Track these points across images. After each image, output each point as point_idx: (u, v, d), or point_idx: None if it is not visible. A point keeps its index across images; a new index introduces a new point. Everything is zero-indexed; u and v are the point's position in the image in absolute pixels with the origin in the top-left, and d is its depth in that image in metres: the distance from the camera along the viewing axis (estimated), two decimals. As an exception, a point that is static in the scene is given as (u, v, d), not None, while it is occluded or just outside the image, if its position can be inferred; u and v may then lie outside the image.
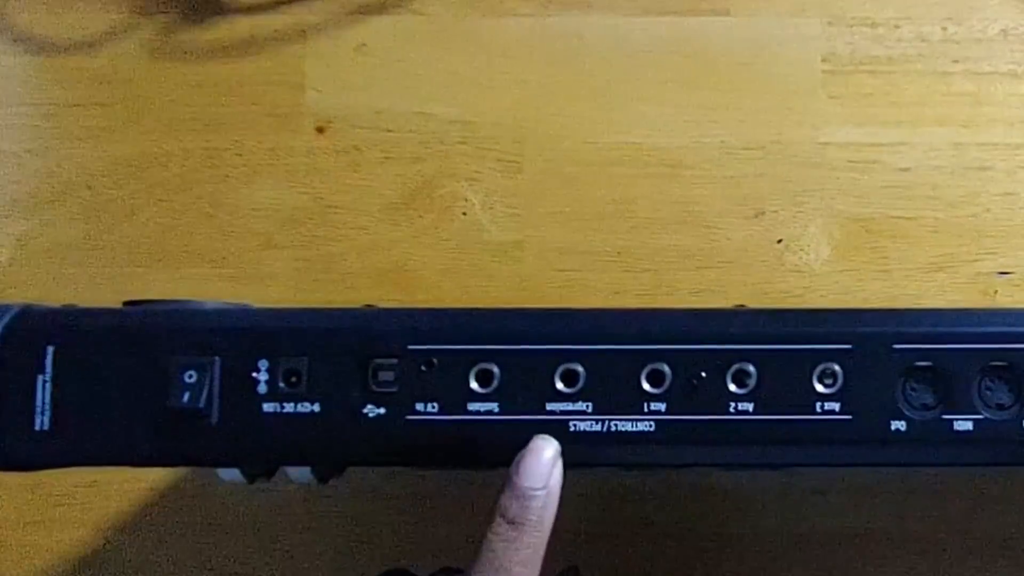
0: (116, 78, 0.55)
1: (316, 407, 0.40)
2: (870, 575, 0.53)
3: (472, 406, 0.40)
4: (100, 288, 0.54)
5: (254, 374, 0.40)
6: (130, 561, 0.53)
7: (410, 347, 0.40)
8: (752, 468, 0.49)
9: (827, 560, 0.52)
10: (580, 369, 0.40)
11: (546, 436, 0.39)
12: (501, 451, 0.41)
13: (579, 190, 0.54)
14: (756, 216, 0.54)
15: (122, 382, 0.39)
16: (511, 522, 0.37)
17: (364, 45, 0.54)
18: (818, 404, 0.40)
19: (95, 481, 0.54)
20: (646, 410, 0.40)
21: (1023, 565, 0.53)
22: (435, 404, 0.40)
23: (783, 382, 0.40)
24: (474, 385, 0.40)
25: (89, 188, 0.54)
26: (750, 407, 0.40)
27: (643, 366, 0.40)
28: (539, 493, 0.38)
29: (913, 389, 0.41)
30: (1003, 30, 0.54)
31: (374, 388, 0.40)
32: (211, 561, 0.53)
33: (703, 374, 0.40)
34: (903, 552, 0.53)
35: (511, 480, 0.38)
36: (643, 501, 0.53)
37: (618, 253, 0.54)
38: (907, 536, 0.53)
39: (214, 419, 0.39)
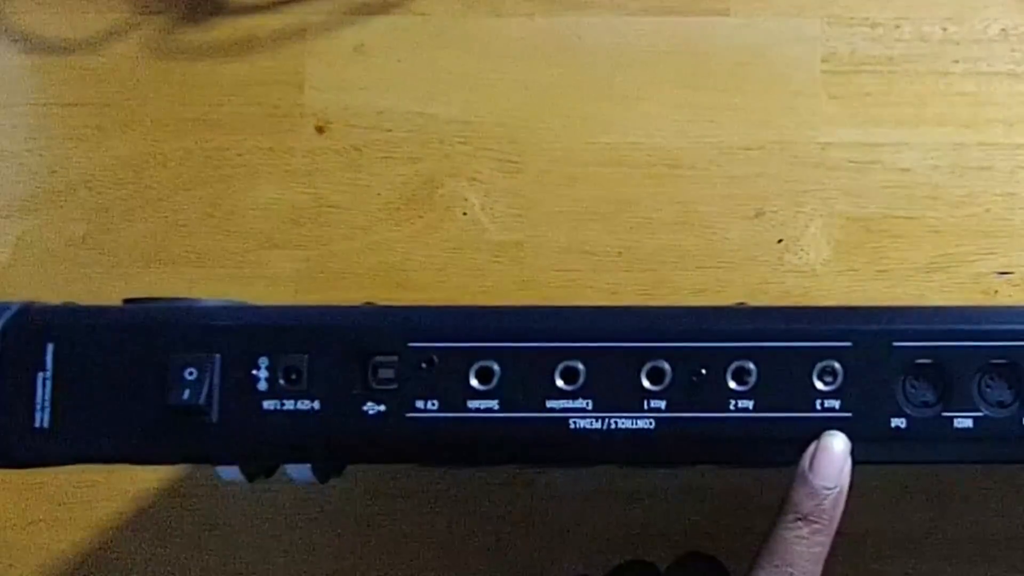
0: (116, 78, 0.55)
1: (316, 405, 0.40)
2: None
3: (472, 404, 0.40)
4: (100, 288, 0.54)
5: (254, 371, 0.40)
6: (130, 561, 0.53)
7: (410, 345, 0.40)
8: (752, 466, 0.49)
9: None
10: (580, 366, 0.40)
11: (835, 432, 0.39)
12: (501, 448, 0.41)
13: (579, 190, 0.54)
14: (756, 216, 0.54)
15: (122, 379, 0.39)
16: (804, 519, 0.38)
17: (364, 45, 0.54)
18: (818, 402, 0.40)
19: (96, 481, 0.54)
20: (646, 408, 0.40)
21: (1004, 564, 0.53)
22: (435, 402, 0.40)
23: (783, 379, 0.40)
24: (474, 383, 0.40)
25: (89, 188, 0.54)
26: (750, 405, 0.40)
27: (643, 363, 0.40)
28: (832, 491, 0.38)
29: (913, 387, 0.41)
30: (1003, 30, 0.54)
31: (374, 386, 0.40)
32: (211, 561, 0.53)
33: (703, 371, 0.40)
34: (900, 553, 0.53)
35: (805, 477, 0.38)
36: (637, 501, 0.53)
37: (618, 253, 0.54)
38: (905, 537, 0.53)
39: (214, 417, 0.39)
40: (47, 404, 0.38)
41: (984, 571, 0.53)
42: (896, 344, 0.41)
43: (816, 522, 0.38)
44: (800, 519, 0.38)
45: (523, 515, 0.53)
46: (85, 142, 0.55)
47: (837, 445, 0.39)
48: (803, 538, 0.38)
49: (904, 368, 0.41)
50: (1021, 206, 0.54)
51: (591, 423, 0.40)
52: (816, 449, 0.39)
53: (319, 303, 0.52)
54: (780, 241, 0.54)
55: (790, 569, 0.37)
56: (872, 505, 0.53)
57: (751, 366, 0.40)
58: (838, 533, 0.50)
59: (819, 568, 0.38)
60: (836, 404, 0.40)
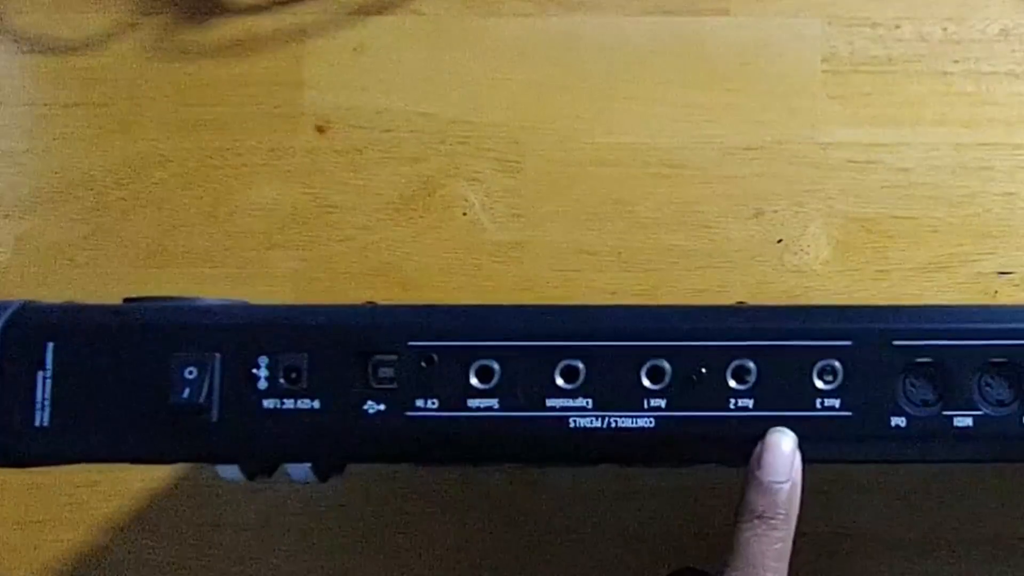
0: (116, 78, 0.55)
1: (316, 404, 0.40)
2: None
3: (472, 403, 0.40)
4: (100, 288, 0.54)
5: (254, 370, 0.40)
6: (130, 560, 0.53)
7: (410, 344, 0.40)
8: (751, 466, 0.49)
9: (819, 562, 0.52)
10: (580, 365, 0.40)
11: (781, 428, 0.39)
12: (501, 447, 0.41)
13: (579, 190, 0.54)
14: (756, 216, 0.54)
15: (122, 378, 0.39)
16: (760, 516, 0.38)
17: (363, 45, 0.54)
18: (818, 400, 0.40)
19: (96, 481, 0.54)
20: (646, 406, 0.40)
21: (1009, 563, 0.53)
22: (435, 401, 0.40)
23: (783, 378, 0.40)
24: (474, 381, 0.40)
25: (89, 188, 0.54)
26: (750, 403, 0.40)
27: (643, 362, 0.40)
28: (784, 486, 0.38)
29: (913, 385, 0.41)
30: (1003, 30, 0.54)
31: (374, 385, 0.40)
32: (211, 560, 0.53)
33: (703, 370, 0.40)
34: (903, 553, 0.53)
35: (755, 476, 0.39)
36: (639, 500, 0.53)
37: (618, 253, 0.54)
38: (907, 537, 0.53)
39: (214, 416, 0.39)
40: (47, 403, 0.38)
41: (989, 571, 0.53)
42: (896, 343, 0.41)
43: (772, 519, 0.38)
44: (756, 518, 0.38)
45: (524, 515, 0.53)
46: (85, 142, 0.55)
47: (784, 441, 0.39)
48: (762, 536, 0.38)
49: (904, 367, 0.41)
50: (1021, 206, 0.54)
51: (591, 422, 0.41)
52: (763, 447, 0.39)
53: (319, 303, 0.52)
54: (780, 241, 0.54)
55: (755, 570, 0.38)
56: (873, 505, 0.53)
57: (751, 365, 0.41)
58: (845, 533, 0.51)
59: (784, 564, 0.38)
60: (836, 403, 0.40)
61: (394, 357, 0.41)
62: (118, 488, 0.54)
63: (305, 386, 0.40)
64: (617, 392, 0.40)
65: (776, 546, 0.38)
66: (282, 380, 0.40)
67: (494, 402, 0.41)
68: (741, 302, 0.48)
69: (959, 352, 0.41)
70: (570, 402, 0.41)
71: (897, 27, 0.54)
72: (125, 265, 0.54)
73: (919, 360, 0.41)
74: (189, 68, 0.55)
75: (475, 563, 0.53)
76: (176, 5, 0.55)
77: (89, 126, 0.55)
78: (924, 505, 0.53)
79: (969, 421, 0.41)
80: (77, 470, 0.43)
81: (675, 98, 0.54)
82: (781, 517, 0.38)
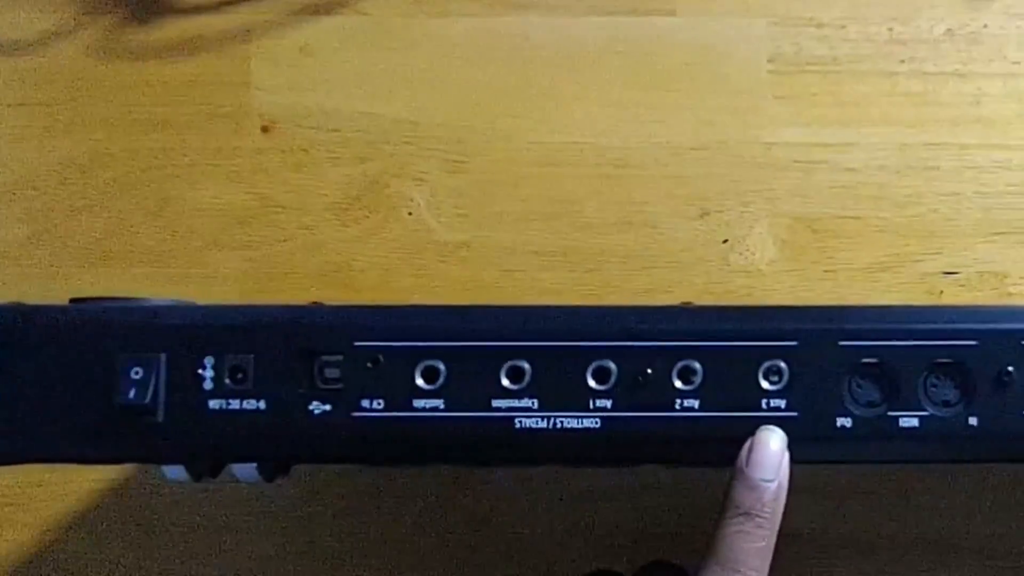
0: (61, 78, 0.55)
1: (262, 404, 0.40)
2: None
3: (418, 403, 0.40)
4: (46, 288, 0.54)
5: (200, 371, 0.40)
6: (76, 561, 0.53)
7: (356, 344, 0.41)
8: (699, 465, 0.49)
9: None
10: (526, 366, 0.41)
11: (771, 427, 0.40)
12: (447, 448, 0.41)
13: (525, 190, 0.54)
14: (702, 216, 0.54)
15: (68, 379, 0.39)
16: (745, 514, 0.38)
17: (309, 45, 0.54)
18: (764, 401, 0.41)
19: (43, 481, 0.54)
20: (592, 407, 0.41)
21: (950, 565, 0.53)
22: (381, 401, 0.40)
23: (729, 379, 0.41)
24: (420, 382, 0.40)
25: (34, 188, 0.54)
26: (696, 404, 0.41)
27: (589, 363, 0.41)
28: (771, 484, 0.39)
29: (859, 386, 0.41)
30: (949, 30, 0.54)
31: (320, 385, 0.40)
32: (157, 561, 0.53)
33: (649, 371, 0.41)
34: (848, 553, 0.53)
35: (743, 472, 0.39)
36: (589, 501, 0.53)
37: (564, 253, 0.54)
38: (853, 537, 0.53)
39: (160, 416, 0.40)
40: (-7, 404, 0.39)
41: (929, 572, 0.53)
42: (842, 343, 0.41)
43: (758, 516, 0.38)
44: (742, 515, 0.38)
45: (471, 515, 0.53)
46: (31, 142, 0.54)
47: (773, 439, 0.39)
48: (746, 533, 0.38)
49: (850, 367, 0.41)
50: (967, 206, 0.54)
51: (537, 422, 0.41)
52: (752, 444, 0.39)
53: (265, 303, 0.52)
54: (726, 241, 0.54)
55: (737, 566, 0.38)
56: (819, 505, 0.53)
57: (697, 365, 0.41)
58: (786, 533, 0.51)
59: (766, 564, 0.38)
60: (782, 403, 0.41)
61: (340, 357, 0.41)
62: (65, 488, 0.54)
63: (251, 386, 0.40)
64: (563, 392, 0.41)
65: (760, 544, 0.38)
66: (228, 380, 0.40)
67: (440, 402, 0.41)
68: (687, 302, 0.48)
69: (905, 353, 0.41)
70: (516, 403, 0.41)
71: (843, 27, 0.54)
72: (71, 265, 0.54)
73: (865, 361, 0.41)
74: (135, 68, 0.54)
75: (421, 563, 0.53)
76: (122, 5, 0.55)
77: (34, 126, 0.54)
78: (863, 506, 0.53)
79: (915, 421, 0.41)
80: (24, 470, 0.43)
81: (621, 98, 0.54)
82: (767, 515, 0.38)
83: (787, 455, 0.39)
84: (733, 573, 0.38)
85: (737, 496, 0.38)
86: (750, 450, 0.39)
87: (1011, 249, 0.53)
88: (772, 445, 0.39)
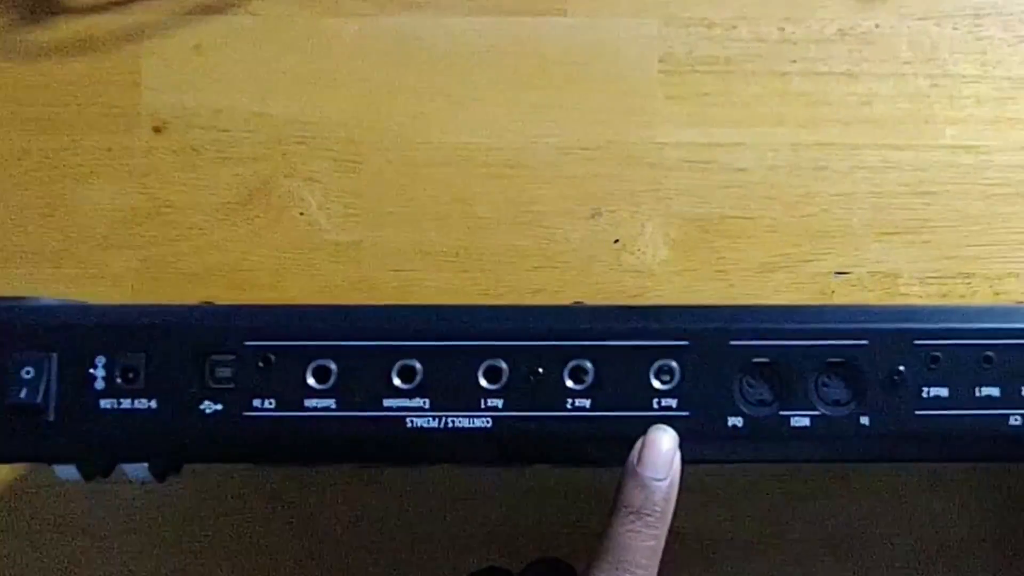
0: (-48, 78, 0.55)
1: (153, 404, 0.41)
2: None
3: (309, 403, 0.41)
4: (-62, 288, 0.54)
5: (91, 370, 0.40)
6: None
7: (247, 344, 0.41)
8: (591, 465, 0.49)
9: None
10: (417, 365, 0.41)
11: (662, 426, 0.40)
12: (339, 447, 0.42)
13: (416, 190, 0.54)
14: (593, 216, 0.54)
15: (-41, 378, 0.39)
16: (636, 513, 0.38)
17: (201, 45, 0.54)
18: (655, 401, 0.41)
19: (-68, 482, 0.54)
20: (483, 406, 0.41)
21: (842, 565, 0.53)
22: (272, 401, 0.41)
23: (620, 379, 0.41)
24: (311, 382, 0.41)
25: (-74, 188, 0.54)
26: (587, 403, 0.41)
27: (480, 362, 0.41)
28: (662, 483, 0.39)
29: (750, 385, 0.41)
30: (840, 30, 0.54)
31: (211, 385, 0.41)
32: (49, 561, 0.53)
33: (540, 370, 0.41)
34: (743, 553, 0.53)
35: (633, 471, 0.39)
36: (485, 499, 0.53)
37: (455, 254, 0.54)
38: (747, 537, 0.53)
39: (51, 415, 0.40)
40: None
41: (828, 570, 0.53)
42: (733, 343, 0.41)
43: (648, 515, 0.38)
44: (632, 513, 0.38)
45: (363, 515, 0.53)
46: (-78, 142, 0.55)
47: (664, 438, 0.40)
48: (636, 532, 0.38)
49: (741, 367, 0.41)
50: (858, 206, 0.54)
51: (428, 422, 0.41)
52: (643, 443, 0.39)
53: (156, 303, 0.52)
54: (617, 241, 0.54)
55: (627, 565, 0.38)
56: (713, 505, 0.53)
57: (588, 365, 0.41)
58: (674, 532, 0.51)
59: (655, 562, 0.38)
60: (673, 403, 0.41)
61: (231, 357, 0.41)
62: (-45, 489, 0.54)
63: (142, 386, 0.41)
64: (454, 392, 0.41)
65: (649, 543, 0.38)
66: (119, 380, 0.40)
67: (331, 402, 0.41)
68: (578, 302, 0.48)
69: (796, 352, 0.41)
70: (407, 402, 0.41)
71: (734, 27, 0.54)
72: (-38, 265, 0.54)
73: (756, 360, 0.41)
74: (26, 68, 0.54)
75: (315, 562, 0.53)
76: (12, 5, 0.54)
77: (-74, 126, 0.55)
78: (752, 505, 0.53)
79: (806, 421, 0.41)
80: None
81: (513, 98, 0.54)
82: (657, 514, 0.38)
83: (678, 454, 0.40)
84: (623, 572, 0.38)
85: (628, 495, 0.39)
86: (641, 449, 0.39)
87: (902, 249, 0.54)
88: (663, 444, 0.39)
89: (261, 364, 0.41)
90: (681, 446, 0.40)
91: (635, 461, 0.39)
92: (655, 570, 0.38)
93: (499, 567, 0.47)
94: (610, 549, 0.38)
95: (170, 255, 0.54)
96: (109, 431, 0.40)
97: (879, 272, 0.53)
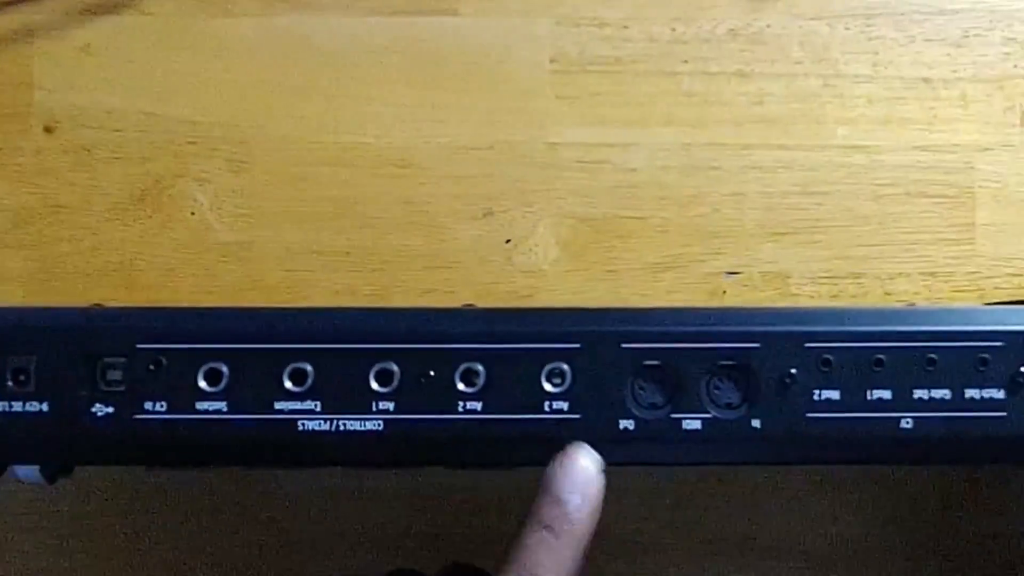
0: None
1: (44, 406, 0.40)
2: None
3: (201, 405, 0.41)
4: None
5: None
6: None
7: (138, 346, 0.41)
8: (483, 468, 0.49)
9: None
10: (309, 368, 0.41)
11: (581, 443, 0.40)
12: (230, 450, 0.41)
13: (308, 190, 0.54)
14: (485, 216, 0.54)
15: None
16: (547, 527, 0.37)
17: (92, 45, 0.54)
18: (547, 403, 0.41)
19: None
20: (375, 409, 0.41)
21: (734, 565, 0.53)
22: (164, 403, 0.41)
23: (512, 381, 0.41)
24: (203, 384, 0.41)
25: None
26: (479, 406, 0.41)
27: (371, 365, 0.41)
28: (575, 500, 0.38)
29: (642, 388, 0.41)
30: (731, 30, 0.54)
31: (103, 387, 0.40)
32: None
33: (431, 373, 0.41)
34: (632, 553, 0.53)
35: (548, 486, 0.38)
36: (358, 501, 0.53)
37: (347, 253, 0.54)
38: (637, 538, 0.53)
39: None
40: None
41: (713, 571, 0.53)
42: (624, 346, 0.41)
43: (560, 532, 0.37)
44: (545, 527, 0.37)
45: (255, 516, 0.53)
46: None
47: (581, 454, 0.39)
48: (547, 548, 0.37)
49: (633, 370, 0.41)
50: (749, 206, 0.54)
51: (319, 424, 0.41)
52: (560, 458, 0.39)
53: (48, 304, 0.52)
54: (509, 241, 0.54)
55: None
56: (605, 506, 0.53)
57: (479, 368, 0.41)
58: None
59: None
60: (565, 406, 0.41)
61: (122, 360, 0.41)
62: None
63: (33, 388, 0.40)
64: (346, 395, 0.41)
65: (558, 558, 0.37)
66: (10, 382, 0.40)
67: (223, 404, 0.41)
68: (469, 303, 0.48)
69: (688, 355, 0.41)
70: (298, 405, 0.41)
71: (625, 27, 0.54)
72: None
73: (648, 363, 0.41)
74: (-84, 68, 0.54)
75: (207, 563, 0.53)
76: (-97, 5, 0.55)
77: None
78: (649, 505, 0.53)
79: (697, 424, 0.41)
80: None
81: (404, 98, 0.54)
82: (567, 531, 0.38)
83: (600, 476, 0.39)
84: None
85: (540, 508, 0.38)
86: (558, 464, 0.39)
87: (794, 249, 0.54)
88: (580, 460, 0.39)
89: (152, 367, 0.41)
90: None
91: (551, 476, 0.38)
92: None
93: (413, 569, 0.47)
94: (518, 560, 0.37)
95: (61, 256, 0.54)
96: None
97: (770, 272, 0.53)
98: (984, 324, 0.41)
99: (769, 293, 0.53)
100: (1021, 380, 0.41)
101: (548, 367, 0.41)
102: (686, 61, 0.54)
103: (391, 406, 0.41)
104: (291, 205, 0.54)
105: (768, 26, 0.54)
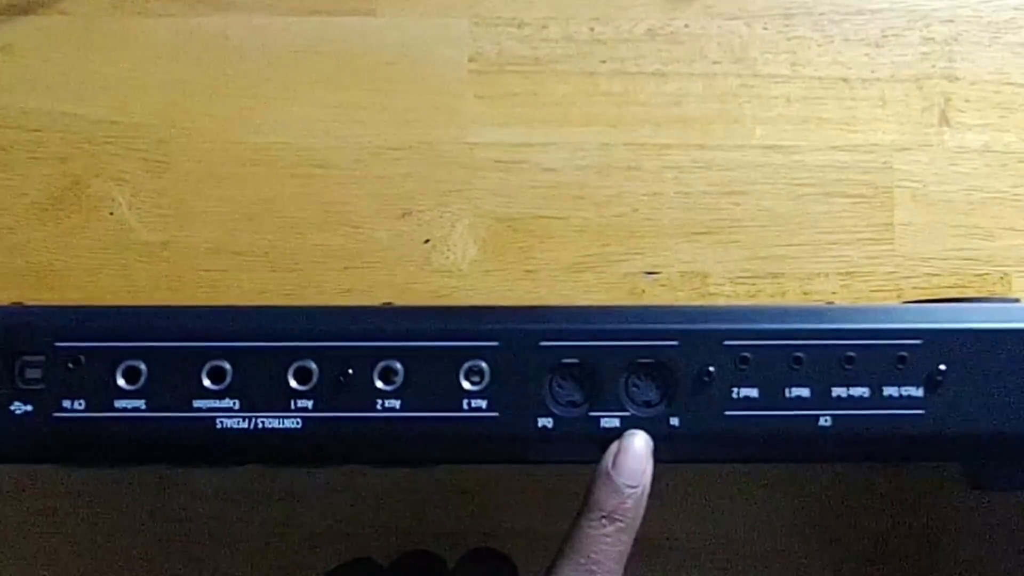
0: None
1: None
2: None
3: (119, 403, 0.41)
4: None
5: None
6: None
7: (57, 344, 0.41)
8: (402, 466, 0.49)
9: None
10: (227, 366, 0.41)
11: (637, 431, 0.40)
12: (149, 448, 0.42)
13: (226, 190, 0.54)
14: (403, 216, 0.54)
15: None
16: (608, 516, 0.38)
17: (10, 45, 0.54)
18: (465, 401, 0.41)
19: None
20: (293, 407, 0.41)
21: (652, 564, 0.53)
22: (82, 401, 0.41)
23: (430, 379, 0.41)
24: (121, 382, 0.41)
25: None
26: (397, 404, 0.41)
27: (290, 363, 0.41)
28: (635, 490, 0.39)
29: (560, 386, 0.41)
30: (649, 30, 0.54)
31: (21, 385, 0.41)
32: None
33: (350, 371, 0.41)
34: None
35: (607, 476, 0.39)
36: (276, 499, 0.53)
37: (265, 253, 0.54)
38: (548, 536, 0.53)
39: None
40: None
41: (636, 571, 0.53)
42: (542, 344, 0.41)
43: (620, 520, 0.38)
44: (604, 517, 0.38)
45: (172, 515, 0.53)
46: None
47: (639, 444, 0.40)
48: (607, 536, 0.38)
49: (551, 368, 0.41)
50: (668, 206, 0.54)
51: (238, 422, 0.41)
52: (618, 448, 0.39)
53: (-34, 303, 0.52)
54: (427, 241, 0.54)
55: (594, 567, 0.38)
56: (524, 504, 0.53)
57: (398, 366, 0.41)
58: (487, 534, 0.51)
59: (621, 566, 0.38)
60: (483, 404, 0.41)
61: (41, 358, 0.41)
62: None
63: None
64: (264, 393, 0.41)
65: (619, 547, 0.38)
66: None
67: (141, 403, 0.41)
68: (388, 302, 0.48)
69: (606, 353, 0.41)
70: (217, 403, 0.41)
71: (544, 27, 0.54)
72: None
73: (566, 361, 0.41)
74: None
75: (124, 563, 0.53)
76: None
77: None
78: (564, 506, 0.53)
79: (616, 422, 0.41)
80: None
81: (322, 98, 0.54)
82: (629, 519, 0.38)
83: (651, 460, 0.40)
84: (590, 573, 0.38)
85: (601, 498, 0.39)
86: (616, 454, 0.39)
87: (712, 249, 0.54)
88: (638, 448, 0.39)
89: (71, 365, 0.41)
90: (490, 447, 0.41)
91: (610, 465, 0.39)
92: (621, 573, 0.39)
93: (430, 552, 0.47)
94: (579, 550, 0.38)
95: (-21, 256, 0.54)
96: (-84, 433, 0.41)
97: (689, 272, 0.54)
98: (902, 322, 0.42)
99: (687, 293, 0.53)
100: (939, 378, 0.41)
101: (467, 365, 0.41)
102: (604, 61, 0.54)
103: (310, 404, 0.41)
104: (210, 205, 0.54)
105: (686, 26, 0.54)
